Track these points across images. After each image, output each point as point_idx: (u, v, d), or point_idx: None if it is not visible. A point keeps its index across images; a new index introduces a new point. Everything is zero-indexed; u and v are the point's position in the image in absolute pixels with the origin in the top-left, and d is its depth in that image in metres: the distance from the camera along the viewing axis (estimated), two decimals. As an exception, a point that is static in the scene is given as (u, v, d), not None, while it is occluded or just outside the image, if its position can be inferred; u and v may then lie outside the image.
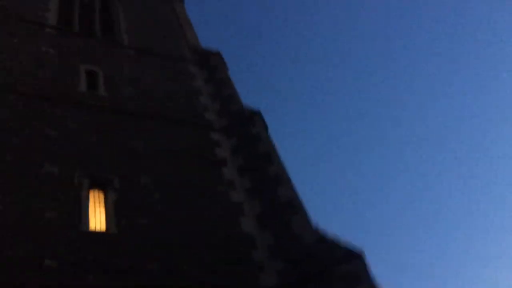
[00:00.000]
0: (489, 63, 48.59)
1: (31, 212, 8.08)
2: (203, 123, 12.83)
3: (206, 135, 12.41)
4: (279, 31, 53.65)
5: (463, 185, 45.39)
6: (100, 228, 8.64)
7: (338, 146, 47.29)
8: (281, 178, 10.77)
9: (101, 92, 12.14)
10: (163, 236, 8.85)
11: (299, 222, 9.76)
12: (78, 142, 10.11)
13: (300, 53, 52.01)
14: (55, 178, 8.98)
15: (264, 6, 54.86)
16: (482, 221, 43.85)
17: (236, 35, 52.65)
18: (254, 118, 12.68)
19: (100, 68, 13.11)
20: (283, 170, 11.01)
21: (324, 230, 9.50)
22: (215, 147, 12.10)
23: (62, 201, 8.58)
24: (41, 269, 7.26)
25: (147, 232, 8.79)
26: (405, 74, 49.40)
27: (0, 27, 12.68)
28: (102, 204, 9.13)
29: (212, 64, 15.66)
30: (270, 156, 11.40)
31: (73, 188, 8.97)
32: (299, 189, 10.57)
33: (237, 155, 12.04)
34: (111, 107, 11.64)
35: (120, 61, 14.01)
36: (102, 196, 9.27)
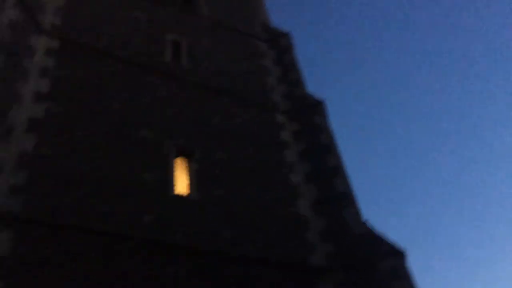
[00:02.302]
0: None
1: (132, 172, 9.50)
2: (270, 105, 13.90)
3: (272, 116, 13.52)
4: (351, 18, 52.47)
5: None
6: (185, 192, 10.04)
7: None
8: (338, 170, 11.90)
9: (184, 63, 13.28)
10: (234, 207, 10.22)
11: (351, 213, 10.97)
12: (166, 111, 11.39)
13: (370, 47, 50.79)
14: (149, 144, 10.34)
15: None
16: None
17: (304, 16, 51.81)
18: (318, 107, 13.67)
19: (182, 38, 14.18)
20: (341, 162, 12.11)
21: (372, 226, 10.74)
22: (280, 129, 13.23)
23: (155, 164, 9.96)
24: (140, 224, 8.73)
25: (222, 201, 10.16)
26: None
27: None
28: (185, 172, 10.50)
29: (282, 44, 16.51)
30: (330, 147, 12.48)
31: (163, 154, 10.33)
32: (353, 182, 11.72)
33: (299, 140, 13.15)
34: (193, 80, 12.80)
35: (199, 33, 15.02)
36: (185, 165, 10.62)
